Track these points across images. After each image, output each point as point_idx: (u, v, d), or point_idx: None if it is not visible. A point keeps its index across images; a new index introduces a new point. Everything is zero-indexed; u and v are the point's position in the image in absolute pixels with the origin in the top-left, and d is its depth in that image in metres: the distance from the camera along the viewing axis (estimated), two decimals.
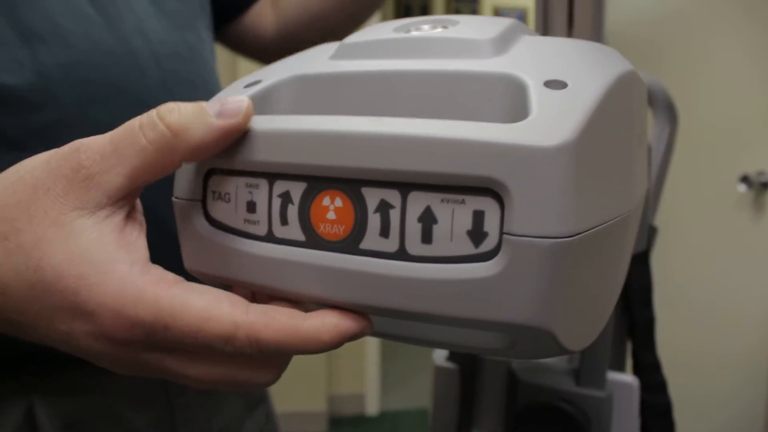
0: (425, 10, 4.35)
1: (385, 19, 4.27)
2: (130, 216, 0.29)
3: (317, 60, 0.31)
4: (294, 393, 2.42)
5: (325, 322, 0.25)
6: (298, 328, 0.25)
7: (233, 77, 2.35)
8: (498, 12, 4.36)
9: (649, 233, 0.79)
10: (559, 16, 0.62)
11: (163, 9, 0.54)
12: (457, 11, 4.37)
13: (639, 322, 0.71)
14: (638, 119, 0.32)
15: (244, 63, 2.35)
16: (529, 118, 0.22)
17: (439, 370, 0.60)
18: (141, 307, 0.26)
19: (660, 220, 2.40)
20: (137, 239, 0.28)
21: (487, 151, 0.21)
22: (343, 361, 2.62)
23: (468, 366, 0.59)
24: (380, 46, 0.29)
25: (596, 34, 0.59)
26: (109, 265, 0.26)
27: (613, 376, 0.59)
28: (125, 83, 0.48)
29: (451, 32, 0.28)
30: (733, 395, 2.01)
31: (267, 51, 0.74)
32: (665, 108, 0.84)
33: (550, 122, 0.21)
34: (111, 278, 0.26)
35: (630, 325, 0.71)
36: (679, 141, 2.34)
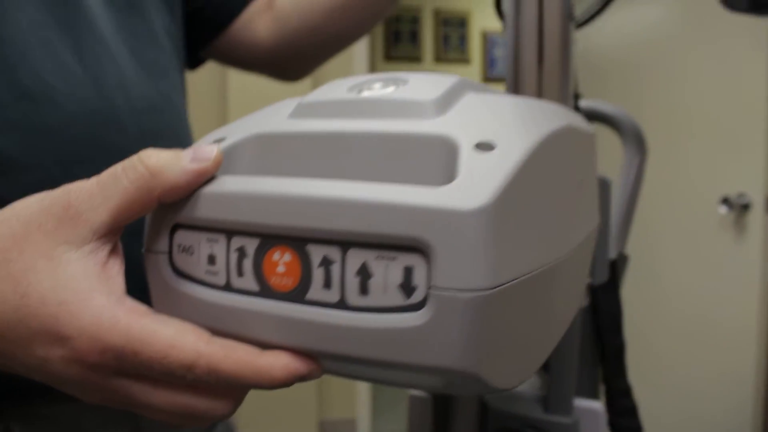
0: (414, 36, 4.41)
1: (374, 43, 4.31)
2: (112, 252, 0.32)
3: (277, 118, 0.33)
4: (284, 419, 2.42)
5: (277, 361, 0.28)
6: (253, 362, 0.28)
7: (223, 93, 2.38)
8: (486, 37, 4.43)
9: (619, 262, 0.82)
10: (529, 53, 0.64)
11: (142, 60, 0.57)
12: (446, 36, 4.43)
13: (609, 349, 0.74)
14: (578, 168, 0.35)
15: (233, 81, 2.38)
16: (455, 181, 0.24)
17: (413, 400, 0.62)
18: (114, 333, 0.28)
19: (645, 243, 2.43)
20: (117, 274, 0.31)
21: (413, 214, 0.24)
22: (334, 386, 2.62)
23: (441, 395, 0.61)
24: (334, 106, 0.31)
25: (565, 69, 0.62)
26: (88, 295, 0.29)
27: (580, 402, 0.61)
28: (106, 140, 0.51)
29: (398, 93, 0.31)
30: (719, 414, 2.03)
31: (261, 61, 0.75)
32: (634, 140, 0.87)
33: (472, 186, 0.24)
34: (89, 306, 0.29)
35: (601, 351, 0.74)
36: (662, 164, 2.38)
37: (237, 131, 0.33)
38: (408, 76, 0.33)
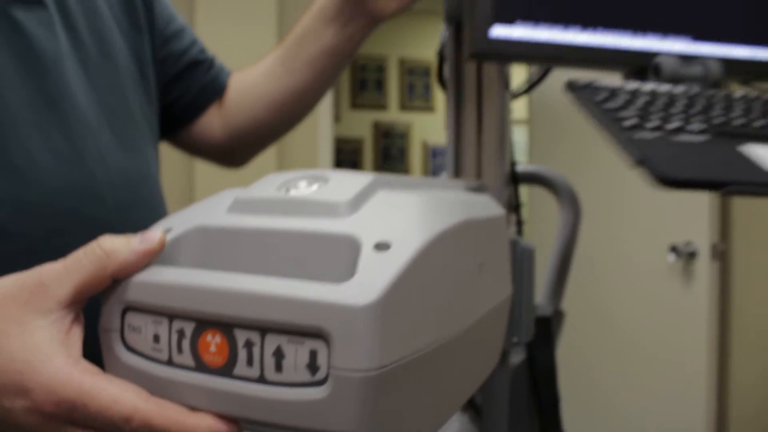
0: (380, 84, 4.53)
1: (340, 91, 4.40)
2: (75, 320, 0.37)
3: (217, 211, 0.38)
4: None
5: (203, 421, 0.33)
6: (183, 421, 0.33)
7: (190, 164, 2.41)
8: None
9: (554, 319, 0.87)
10: (469, 122, 0.70)
11: (120, 137, 0.63)
12: (411, 85, 4.56)
13: (544, 402, 0.78)
14: (477, 252, 0.40)
15: None
16: (353, 279, 0.30)
17: None
18: (68, 388, 0.34)
19: (600, 291, 2.48)
20: (77, 340, 0.37)
21: (315, 307, 0.29)
22: None
23: None
24: (264, 204, 0.37)
25: (502, 137, 0.67)
26: (50, 356, 0.35)
27: None
28: (86, 212, 0.57)
29: (318, 193, 0.36)
30: None
31: (211, 151, 0.83)
32: (569, 201, 0.93)
33: (366, 284, 0.29)
34: (50, 365, 0.35)
35: (537, 405, 0.78)
36: (614, 215, 2.46)
37: (182, 222, 0.38)
38: (330, 174, 0.39)
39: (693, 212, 2.07)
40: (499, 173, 0.66)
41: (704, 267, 2.02)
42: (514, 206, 0.71)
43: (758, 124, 0.44)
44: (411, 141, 4.60)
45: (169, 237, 0.37)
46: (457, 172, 0.69)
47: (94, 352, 0.39)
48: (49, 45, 0.57)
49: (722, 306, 2.10)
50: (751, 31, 0.56)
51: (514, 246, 0.59)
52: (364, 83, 4.52)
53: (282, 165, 2.73)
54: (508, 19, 0.57)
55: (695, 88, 0.51)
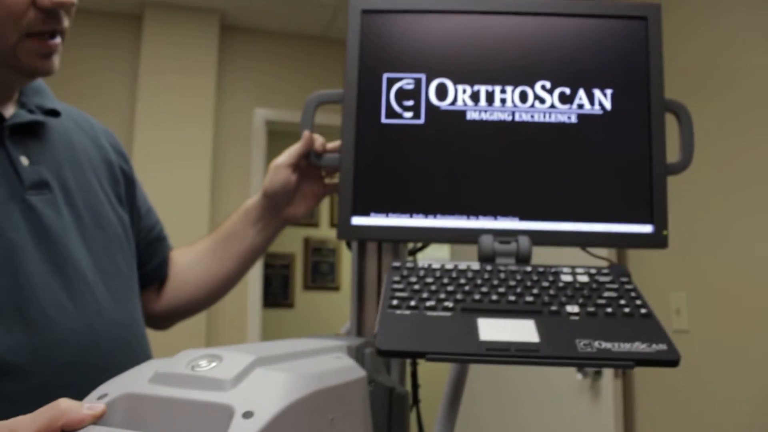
0: (333, 267, 4.68)
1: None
2: None
3: (141, 380, 0.48)
4: None
5: None
6: None
7: None
8: None
9: None
10: (370, 297, 0.81)
11: (112, 290, 0.79)
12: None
13: None
14: (332, 410, 0.50)
15: None
16: None
17: None
18: None
19: (513, 409, 2.55)
20: None
21: None
22: None
23: None
24: (175, 378, 0.47)
25: None
26: None
27: None
28: (86, 354, 0.72)
29: (212, 370, 0.47)
30: None
31: (150, 320, 0.96)
32: None
33: None
34: None
35: None
36: None
37: (116, 388, 0.48)
38: (225, 354, 0.49)
39: None
40: None
41: (609, 384, 2.15)
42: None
43: (494, 298, 0.56)
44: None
45: (105, 401, 0.47)
46: (359, 330, 0.79)
47: None
48: (56, 221, 0.75)
49: (626, 421, 2.21)
50: (557, 209, 0.70)
51: (390, 392, 0.68)
52: (317, 266, 4.68)
53: None
54: (364, 212, 0.71)
55: (499, 266, 0.63)
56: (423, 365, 0.72)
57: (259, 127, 3.25)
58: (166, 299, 0.98)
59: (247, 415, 0.41)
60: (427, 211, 0.70)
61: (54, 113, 0.81)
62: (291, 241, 4.62)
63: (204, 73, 2.97)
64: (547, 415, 2.33)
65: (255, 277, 3.13)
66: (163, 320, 1.00)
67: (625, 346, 0.47)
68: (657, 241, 0.68)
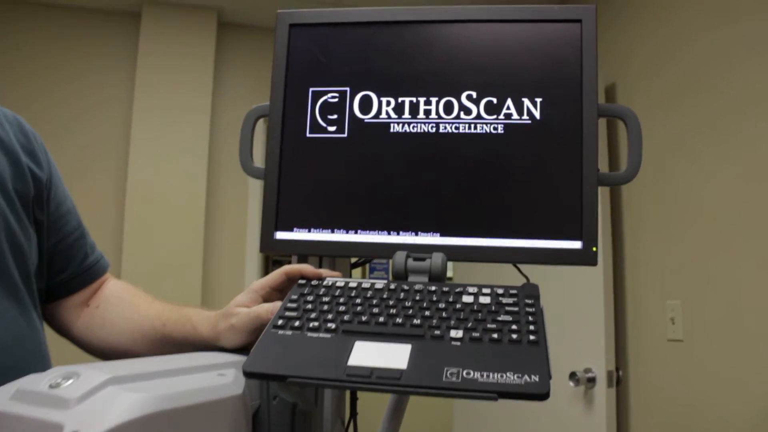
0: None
1: None
2: None
3: (5, 396, 0.48)
4: None
5: None
6: None
7: None
8: None
9: None
10: None
11: (19, 304, 0.75)
12: None
13: None
14: (196, 427, 0.49)
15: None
16: None
17: None
18: None
19: (503, 415, 2.52)
20: None
21: None
22: None
23: None
24: (33, 396, 0.47)
25: None
26: None
27: None
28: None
29: (64, 389, 0.46)
30: None
31: (72, 339, 0.89)
32: None
33: None
34: None
35: None
36: None
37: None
38: (84, 371, 0.48)
39: (590, 339, 2.18)
40: None
41: (602, 392, 2.11)
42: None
43: (381, 320, 0.54)
44: None
45: None
46: None
47: None
48: None
49: (619, 430, 2.17)
50: (479, 225, 0.68)
51: (293, 407, 0.66)
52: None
53: (207, 280, 2.79)
54: (287, 228, 0.70)
55: (404, 285, 0.61)
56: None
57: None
58: (83, 324, 0.88)
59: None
60: (348, 227, 0.69)
61: None
62: None
63: (201, 69, 2.97)
64: (541, 423, 2.30)
65: (255, 277, 3.12)
66: (82, 345, 0.89)
67: (494, 377, 0.45)
68: (585, 258, 0.65)
